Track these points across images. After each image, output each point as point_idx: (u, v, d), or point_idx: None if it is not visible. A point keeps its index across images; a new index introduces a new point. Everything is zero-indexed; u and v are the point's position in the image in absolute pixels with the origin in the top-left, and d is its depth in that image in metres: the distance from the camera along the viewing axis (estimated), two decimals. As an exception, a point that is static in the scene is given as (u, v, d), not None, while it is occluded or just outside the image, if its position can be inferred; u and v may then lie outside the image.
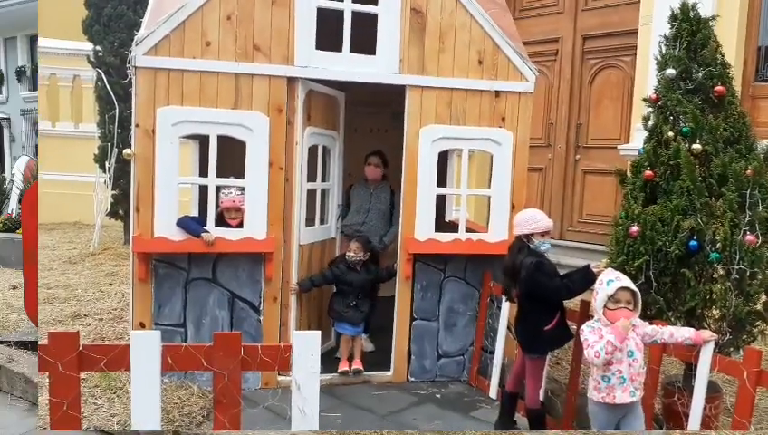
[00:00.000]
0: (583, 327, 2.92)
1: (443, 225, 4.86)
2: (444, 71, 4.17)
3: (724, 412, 3.34)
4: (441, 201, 5.41)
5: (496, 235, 4.24)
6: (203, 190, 4.27)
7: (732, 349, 3.26)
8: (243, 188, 4.00)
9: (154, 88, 3.79)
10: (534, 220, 3.40)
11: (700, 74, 3.43)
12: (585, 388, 3.63)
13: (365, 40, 4.08)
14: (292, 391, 2.55)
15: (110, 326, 5.03)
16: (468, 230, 4.35)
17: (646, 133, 3.60)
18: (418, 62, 4.14)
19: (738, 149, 3.33)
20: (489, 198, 4.36)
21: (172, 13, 3.78)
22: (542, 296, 3.32)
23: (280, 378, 4.03)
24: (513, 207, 4.24)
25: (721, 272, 3.21)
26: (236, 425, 2.55)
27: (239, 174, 3.98)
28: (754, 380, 2.70)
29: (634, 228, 3.31)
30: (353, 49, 4.07)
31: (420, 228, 4.19)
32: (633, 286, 2.89)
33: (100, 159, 8.70)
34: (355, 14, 4.05)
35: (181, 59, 3.82)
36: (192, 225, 3.91)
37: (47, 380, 2.48)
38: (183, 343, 3.52)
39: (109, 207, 8.72)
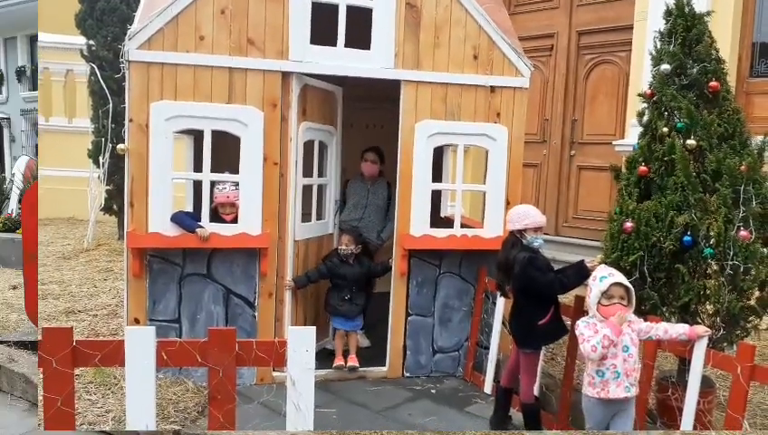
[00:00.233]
0: (578, 322, 2.94)
1: (438, 220, 4.86)
2: (439, 66, 4.16)
3: (717, 407, 3.36)
4: (436, 197, 5.41)
5: (491, 230, 4.25)
6: (197, 186, 4.25)
7: (725, 344, 3.27)
8: (237, 184, 3.98)
9: (147, 82, 3.77)
10: (527, 216, 3.41)
11: (695, 70, 3.44)
12: (580, 383, 3.64)
13: (360, 35, 4.07)
14: (287, 387, 2.55)
15: (104, 322, 5.02)
16: (463, 226, 4.35)
17: (640, 129, 3.61)
18: (413, 57, 4.13)
19: (732, 144, 3.34)
20: (484, 193, 4.35)
21: (165, 6, 3.76)
22: (535, 291, 3.32)
23: (275, 374, 4.03)
24: (508, 202, 4.24)
25: (715, 267, 3.22)
26: (231, 421, 2.54)
27: (234, 169, 3.97)
28: (748, 374, 2.71)
29: (628, 224, 3.31)
30: (348, 44, 4.05)
31: (415, 224, 4.19)
32: (626, 282, 2.90)
33: (94, 155, 8.65)
34: (350, 9, 4.03)
35: (175, 53, 3.80)
36: (186, 220, 3.90)
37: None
38: (177, 339, 3.53)
39: (103, 202, 8.68)
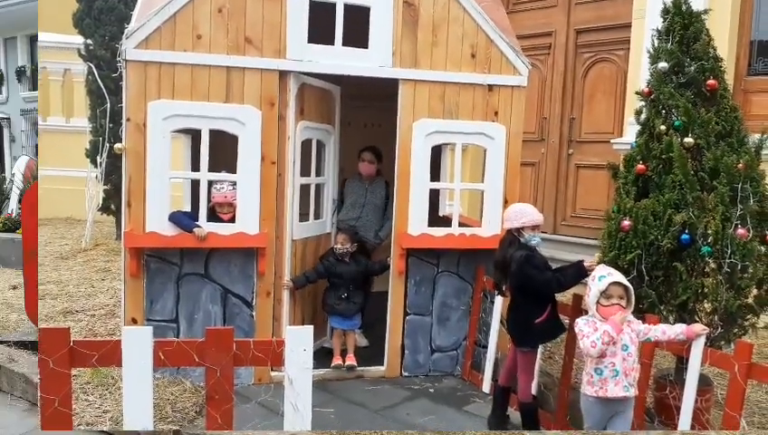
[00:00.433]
0: (578, 320, 2.93)
1: (437, 219, 4.86)
2: (437, 64, 4.16)
3: (715, 405, 3.36)
4: (435, 196, 5.40)
5: (489, 229, 4.24)
6: (195, 185, 4.24)
7: (723, 342, 3.27)
8: (235, 183, 3.98)
9: (145, 81, 3.76)
10: (524, 214, 3.40)
11: (692, 68, 3.43)
12: (578, 382, 3.64)
13: (358, 33, 4.06)
14: (284, 387, 2.54)
15: (102, 322, 5.01)
16: (462, 225, 4.34)
17: (638, 127, 3.61)
18: (411, 55, 4.12)
19: (730, 142, 3.33)
20: (482, 192, 4.35)
21: (163, 5, 3.75)
22: (532, 289, 3.32)
23: (273, 373, 4.02)
24: (506, 201, 4.24)
25: (713, 265, 3.22)
26: (229, 421, 2.54)
27: (231, 169, 3.96)
28: (745, 373, 2.71)
29: (626, 222, 3.31)
30: (346, 42, 4.05)
31: (413, 223, 4.18)
32: (625, 282, 2.89)
33: (92, 154, 8.64)
34: (347, 7, 4.03)
35: (172, 52, 3.79)
36: (184, 220, 3.89)
37: (42, 378, 2.47)
38: (175, 339, 3.53)
39: (100, 202, 8.67)
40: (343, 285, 4.32)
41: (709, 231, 3.13)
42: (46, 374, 2.42)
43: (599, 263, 3.29)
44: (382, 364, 4.32)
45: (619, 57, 6.85)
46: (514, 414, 3.59)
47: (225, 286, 4.02)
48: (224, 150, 4.02)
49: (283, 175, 4.05)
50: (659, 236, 3.23)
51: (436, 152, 4.72)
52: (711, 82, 3.40)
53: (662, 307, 3.31)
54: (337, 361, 4.25)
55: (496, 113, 4.26)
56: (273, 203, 4.02)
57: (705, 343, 2.94)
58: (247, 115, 3.90)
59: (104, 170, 8.33)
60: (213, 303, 4.01)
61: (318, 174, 4.54)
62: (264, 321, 4.09)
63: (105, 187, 8.59)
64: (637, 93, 3.69)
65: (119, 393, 3.46)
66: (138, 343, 2.47)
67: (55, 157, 10.21)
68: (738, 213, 3.15)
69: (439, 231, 4.25)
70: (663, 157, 3.36)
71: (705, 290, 3.20)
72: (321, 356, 4.34)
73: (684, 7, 3.51)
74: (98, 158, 8.30)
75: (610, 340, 2.78)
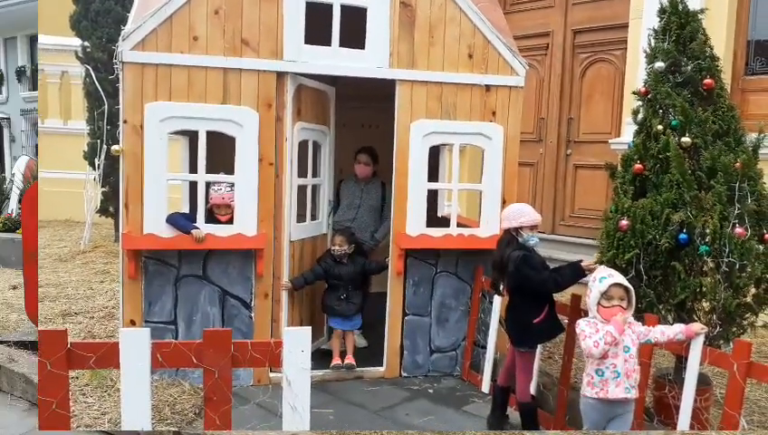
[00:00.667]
0: (579, 321, 2.91)
1: (435, 220, 4.86)
2: (434, 65, 4.16)
3: (714, 405, 3.36)
4: (433, 197, 5.41)
5: (488, 230, 4.24)
6: (193, 187, 4.24)
7: (722, 341, 3.27)
8: (232, 185, 3.98)
9: (141, 83, 3.76)
10: (522, 214, 3.40)
11: (689, 67, 3.44)
12: (577, 382, 3.64)
13: (355, 34, 4.06)
14: (282, 388, 2.54)
15: (100, 324, 5.00)
16: (460, 225, 4.34)
17: (636, 127, 3.61)
18: (408, 56, 4.12)
19: (727, 141, 3.34)
20: (480, 192, 4.35)
21: (159, 7, 3.75)
22: (529, 289, 3.32)
23: (272, 375, 4.02)
24: (504, 201, 4.24)
25: (711, 265, 3.22)
26: (227, 422, 2.53)
27: (229, 170, 3.96)
28: (744, 372, 2.71)
29: (624, 222, 3.31)
30: (343, 43, 4.05)
31: (412, 224, 4.18)
32: (626, 283, 2.88)
33: (90, 157, 8.63)
34: (344, 8, 4.03)
35: (169, 54, 3.78)
36: (182, 221, 3.89)
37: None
38: (173, 341, 3.52)
39: (99, 204, 8.67)
40: (342, 286, 4.32)
41: (707, 230, 3.13)
42: (44, 376, 2.41)
43: (596, 263, 3.29)
44: (381, 365, 4.32)
45: (617, 57, 6.86)
46: (514, 414, 3.59)
47: (224, 288, 4.02)
48: (221, 152, 4.02)
49: (281, 176, 4.05)
50: (657, 236, 3.23)
51: (434, 153, 4.73)
52: (708, 81, 3.40)
53: (660, 307, 3.31)
54: (336, 361, 4.25)
55: (494, 114, 4.27)
56: (271, 204, 4.02)
57: (704, 343, 2.93)
58: (244, 117, 3.90)
59: (102, 173, 8.33)
60: (211, 304, 4.01)
61: (314, 175, 4.54)
62: (263, 322, 4.08)
63: (103, 189, 8.59)
64: (634, 93, 3.69)
65: (117, 395, 3.45)
66: (135, 345, 2.47)
67: (53, 159, 10.20)
68: (736, 212, 3.15)
69: (438, 232, 4.25)
70: (660, 156, 3.36)
71: (704, 289, 3.20)
72: (320, 358, 4.34)
73: (680, 7, 3.51)
74: (96, 160, 8.30)
75: (613, 340, 2.77)
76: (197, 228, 3.85)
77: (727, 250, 3.09)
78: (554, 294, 3.44)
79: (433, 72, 4.15)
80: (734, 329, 3.28)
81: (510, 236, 3.42)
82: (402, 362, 4.32)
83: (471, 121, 4.23)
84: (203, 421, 2.93)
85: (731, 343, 3.12)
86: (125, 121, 3.78)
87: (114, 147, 3.84)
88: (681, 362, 3.19)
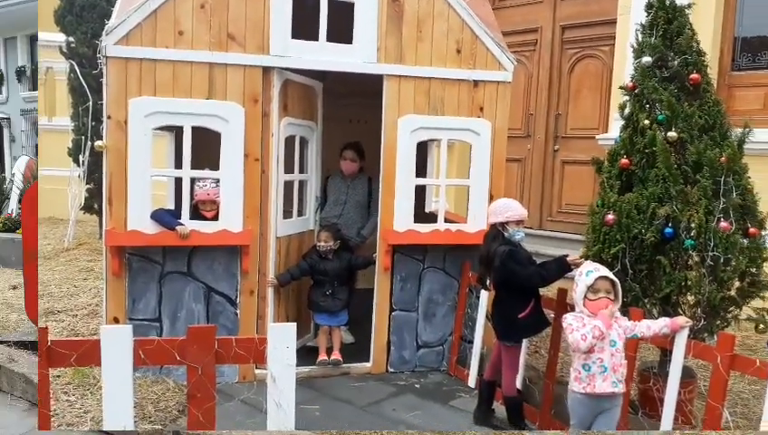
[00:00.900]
0: (566, 315, 2.90)
1: (423, 216, 4.85)
2: (422, 60, 4.14)
3: (698, 397, 3.38)
4: (421, 192, 5.39)
5: (475, 225, 4.24)
6: (178, 183, 4.20)
7: (706, 334, 3.29)
8: (218, 181, 3.94)
9: (126, 78, 3.71)
10: (509, 208, 3.40)
11: (676, 62, 3.45)
12: (563, 376, 3.65)
13: (342, 29, 4.03)
14: (267, 384, 2.52)
15: (84, 322, 4.95)
16: (448, 221, 4.33)
17: (623, 122, 3.61)
18: (396, 51, 4.10)
19: (713, 136, 3.35)
20: (468, 188, 4.34)
21: (143, 1, 3.70)
22: (515, 284, 3.32)
23: (257, 371, 3.99)
24: (491, 197, 4.23)
25: (696, 259, 3.23)
26: (211, 419, 2.51)
27: (214, 166, 3.92)
28: (728, 364, 2.72)
29: (610, 216, 3.32)
30: (330, 38, 4.02)
31: (399, 219, 4.16)
32: (612, 277, 2.88)
33: (74, 153, 8.54)
34: (331, 3, 4.00)
35: (153, 48, 3.74)
36: (166, 217, 3.85)
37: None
38: (155, 338, 3.49)
39: (83, 201, 8.58)
40: (328, 281, 4.29)
41: (692, 224, 3.15)
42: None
43: (582, 257, 3.29)
44: (368, 361, 4.31)
45: (605, 53, 6.87)
46: (500, 408, 3.59)
47: (209, 285, 3.98)
48: (207, 148, 3.98)
49: (267, 172, 4.01)
50: (643, 230, 3.24)
51: (422, 149, 4.71)
52: (694, 76, 3.41)
53: (646, 300, 3.33)
54: (322, 357, 4.23)
55: (482, 109, 4.26)
56: (257, 200, 3.99)
57: (689, 336, 2.94)
58: (230, 112, 3.86)
59: (87, 169, 8.24)
60: (196, 301, 3.97)
61: (301, 171, 4.51)
62: (248, 319, 4.05)
63: (88, 186, 8.50)
64: (621, 88, 3.70)
65: (100, 393, 3.39)
66: (117, 342, 2.44)
67: (38, 156, 10.09)
68: (721, 206, 3.17)
69: (425, 227, 4.24)
70: (647, 151, 3.37)
71: (689, 283, 3.21)
72: (306, 355, 4.31)
73: (668, 2, 3.52)
74: (80, 156, 8.22)
75: (600, 334, 2.76)
76: (182, 225, 3.81)
77: (712, 244, 3.11)
78: (541, 289, 3.44)
79: (421, 67, 4.14)
80: (719, 322, 3.31)
81: (496, 231, 3.41)
82: (389, 357, 4.31)
83: (459, 117, 4.22)
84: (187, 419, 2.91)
85: (715, 336, 3.14)
86: (109, 117, 3.73)
87: (98, 142, 3.79)
88: (666, 355, 3.21)
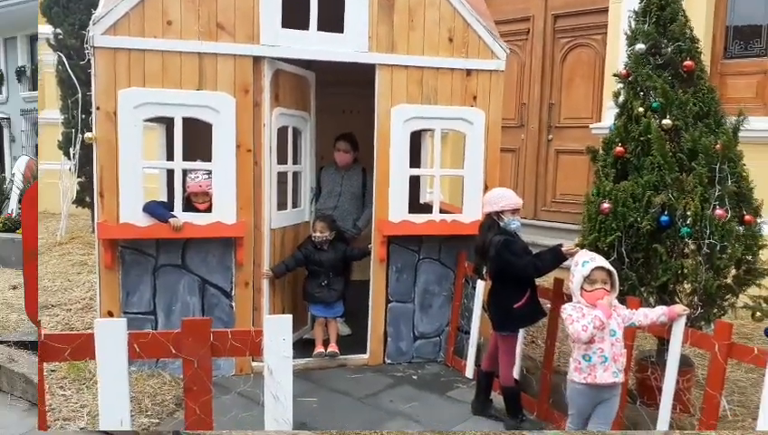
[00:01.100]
0: (565, 306, 2.88)
1: (418, 207, 4.82)
2: (414, 49, 4.11)
3: (696, 385, 3.39)
4: (415, 183, 5.37)
5: (470, 215, 4.22)
6: (170, 175, 4.15)
7: (703, 323, 3.30)
8: (210, 172, 3.90)
9: (114, 69, 3.66)
10: (504, 198, 3.38)
11: (669, 49, 3.43)
12: (560, 366, 3.66)
13: (333, 18, 3.99)
14: (264, 377, 2.50)
15: (78, 316, 4.92)
16: (442, 211, 4.32)
17: (617, 110, 3.60)
18: (388, 39, 4.06)
19: (707, 123, 3.35)
20: (462, 178, 4.32)
21: (131, -10, 3.64)
22: (511, 274, 3.31)
23: (254, 364, 3.97)
24: (486, 187, 4.21)
25: (692, 246, 3.24)
26: (208, 413, 2.49)
27: (206, 157, 3.88)
28: (725, 352, 2.73)
29: (605, 205, 3.31)
30: (321, 27, 3.97)
31: (394, 210, 4.14)
32: (609, 266, 2.87)
33: (65, 146, 8.45)
34: (322, -9, 3.95)
35: (142, 38, 3.69)
36: (159, 210, 3.81)
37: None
38: (150, 331, 3.46)
39: (75, 194, 8.50)
40: (323, 272, 4.27)
41: (688, 212, 3.14)
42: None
43: (576, 246, 3.27)
44: (365, 352, 4.30)
45: (597, 42, 6.85)
46: (497, 398, 3.59)
47: (203, 277, 3.95)
48: (199, 139, 3.94)
49: (260, 163, 3.97)
50: (639, 218, 3.24)
51: (416, 139, 4.68)
52: (688, 62, 3.40)
53: (642, 289, 3.33)
54: (319, 349, 4.22)
55: (475, 98, 4.23)
56: (251, 192, 3.95)
57: (686, 324, 2.94)
58: (221, 102, 3.82)
59: (78, 162, 8.15)
60: (191, 294, 3.94)
61: (295, 162, 4.47)
62: (244, 311, 4.03)
63: (79, 179, 8.42)
64: (614, 75, 3.69)
65: (96, 388, 3.37)
66: (111, 336, 2.41)
67: (27, 150, 9.99)
68: (716, 194, 3.17)
69: (420, 218, 4.22)
70: (641, 139, 3.36)
71: (685, 271, 3.22)
72: (303, 347, 4.30)
73: (661, -12, 3.50)
74: (71, 149, 8.12)
75: (601, 325, 2.74)
76: (175, 217, 3.78)
77: (708, 232, 3.10)
78: (536, 279, 3.43)
79: (413, 56, 4.10)
80: (716, 310, 3.31)
81: (491, 221, 3.40)
82: (386, 348, 4.30)
83: (452, 106, 4.19)
84: (183, 413, 2.89)
85: (712, 325, 3.14)
86: (98, 108, 3.68)
87: (87, 134, 3.74)
88: (663, 344, 3.21)
